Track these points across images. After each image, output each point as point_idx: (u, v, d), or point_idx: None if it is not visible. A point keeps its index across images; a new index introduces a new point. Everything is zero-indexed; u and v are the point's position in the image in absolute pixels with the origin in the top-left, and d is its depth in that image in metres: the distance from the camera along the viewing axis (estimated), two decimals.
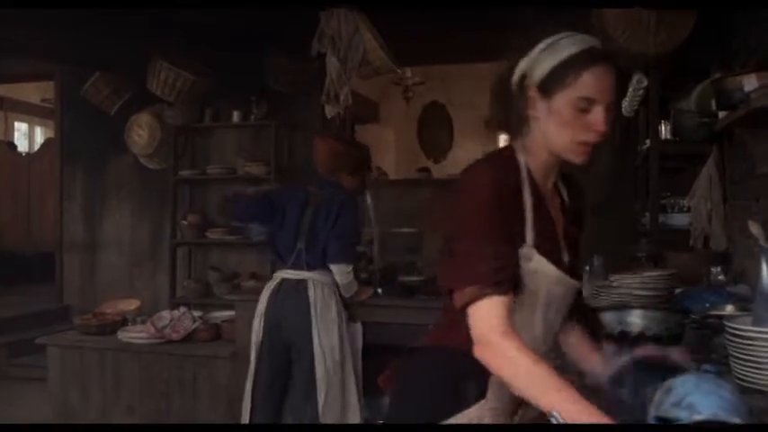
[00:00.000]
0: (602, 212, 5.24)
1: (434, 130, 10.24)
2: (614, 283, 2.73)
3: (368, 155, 3.87)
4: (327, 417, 3.33)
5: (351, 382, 3.46)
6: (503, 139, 7.91)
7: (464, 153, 10.21)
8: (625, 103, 4.10)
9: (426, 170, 8.33)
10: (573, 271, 1.63)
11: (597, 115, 1.49)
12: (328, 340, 3.37)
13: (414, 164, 9.65)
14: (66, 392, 4.10)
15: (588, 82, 1.47)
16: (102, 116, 6.27)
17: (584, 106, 1.49)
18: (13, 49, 5.86)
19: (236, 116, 5.99)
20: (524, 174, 1.56)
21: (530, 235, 1.52)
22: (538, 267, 1.52)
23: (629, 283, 2.62)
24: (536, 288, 1.54)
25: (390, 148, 9.61)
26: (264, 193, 3.96)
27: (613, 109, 1.51)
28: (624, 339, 2.00)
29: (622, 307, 2.35)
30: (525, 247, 1.51)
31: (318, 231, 3.53)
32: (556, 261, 1.56)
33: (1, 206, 7.71)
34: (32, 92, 9.97)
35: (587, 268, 3.85)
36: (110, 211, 6.74)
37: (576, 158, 1.56)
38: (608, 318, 2.19)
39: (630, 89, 3.91)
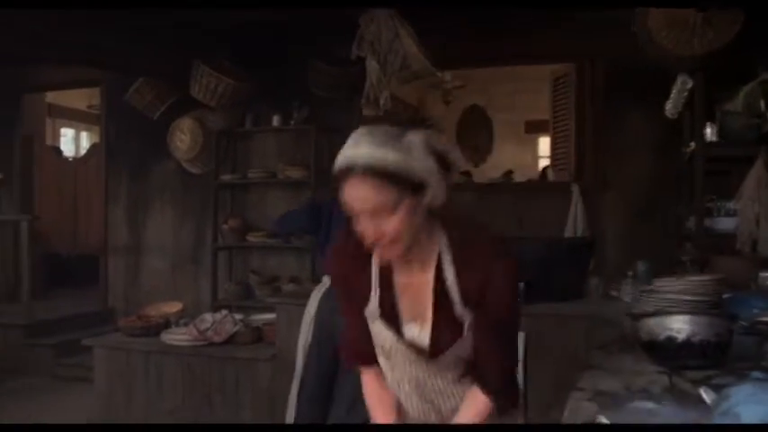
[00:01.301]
0: (645, 217, 5.17)
1: (474, 133, 10.19)
2: (659, 288, 2.67)
3: None
4: None
5: None
6: (542, 142, 7.87)
7: (504, 156, 10.15)
8: (669, 105, 4.03)
9: (467, 174, 8.28)
10: (435, 345, 1.68)
11: (361, 224, 1.55)
12: None
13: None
14: (111, 392, 4.17)
15: (346, 193, 1.54)
16: (146, 121, 6.38)
17: (351, 214, 1.57)
18: (61, 57, 6.00)
19: (276, 120, 6.04)
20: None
21: (373, 301, 1.68)
22: (378, 330, 1.70)
23: (675, 287, 2.55)
24: (389, 349, 1.70)
25: None
26: (311, 204, 4.01)
27: (386, 213, 1.51)
28: (670, 345, 1.96)
29: (667, 312, 2.30)
30: (368, 309, 1.69)
31: None
32: (396, 330, 1.68)
33: (48, 210, 7.86)
34: (78, 98, 10.17)
35: (630, 273, 3.80)
36: (153, 215, 6.84)
37: (381, 255, 1.63)
38: (652, 323, 2.15)
39: (675, 91, 3.85)
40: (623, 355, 2.23)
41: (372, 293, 1.69)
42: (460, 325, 1.64)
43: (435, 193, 1.53)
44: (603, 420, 1.30)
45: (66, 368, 6.00)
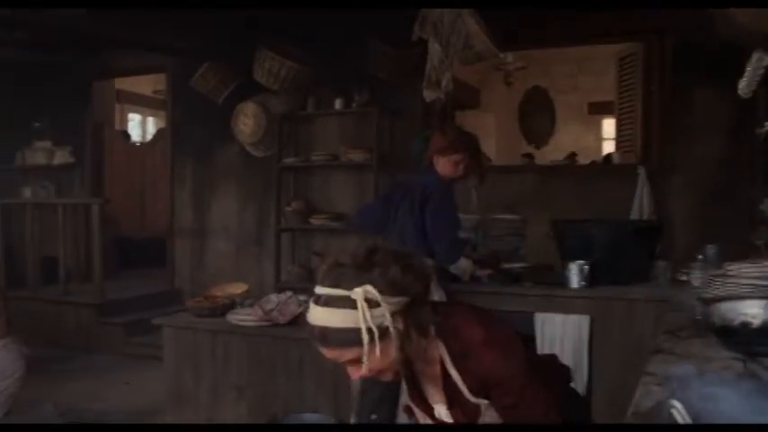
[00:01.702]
0: (715, 200, 5.03)
1: (536, 115, 10.08)
2: (731, 272, 2.60)
3: (477, 142, 3.87)
4: None
5: None
6: (606, 123, 7.71)
7: (566, 138, 10.00)
8: (743, 84, 3.89)
9: (530, 156, 8.20)
10: (459, 423, 1.79)
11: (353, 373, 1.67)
12: None
13: (514, 150, 9.52)
14: (179, 371, 4.27)
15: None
16: (210, 106, 6.50)
17: None
18: (130, 43, 6.15)
19: (338, 103, 6.07)
20: None
21: (404, 394, 1.90)
22: (416, 412, 1.90)
23: (749, 272, 2.49)
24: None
25: (491, 134, 9.50)
26: (384, 197, 4.07)
27: (358, 362, 1.60)
28: (744, 330, 1.91)
29: (741, 297, 2.23)
30: (401, 400, 1.95)
31: (406, 221, 3.61)
32: (429, 411, 1.84)
33: (117, 194, 8.10)
34: (145, 84, 10.42)
35: (700, 257, 3.71)
36: (217, 198, 6.98)
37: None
38: (725, 308, 2.09)
39: (749, 68, 3.70)
40: (693, 340, 2.18)
41: (402, 386, 1.90)
42: (477, 407, 1.73)
43: (401, 329, 1.59)
44: (676, 405, 1.28)
45: (136, 346, 6.19)
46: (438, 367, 1.73)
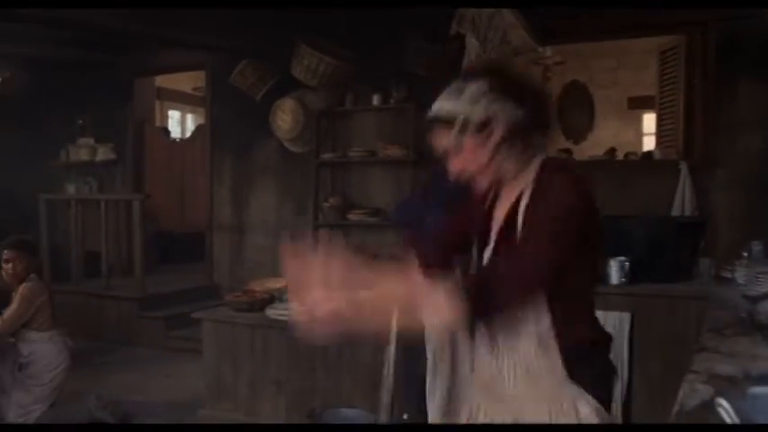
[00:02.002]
0: (760, 195, 4.92)
1: (574, 110, 9.95)
2: None
3: None
4: None
5: None
6: (646, 118, 7.56)
7: (606, 133, 9.87)
8: None
9: (568, 151, 8.11)
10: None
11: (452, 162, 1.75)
12: None
13: (552, 145, 9.42)
14: (219, 365, 4.32)
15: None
16: (249, 102, 6.54)
17: None
18: (170, 42, 6.23)
19: (376, 99, 6.07)
20: None
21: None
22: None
23: None
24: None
25: None
26: (421, 190, 4.04)
27: (456, 153, 1.70)
28: None
29: None
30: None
31: None
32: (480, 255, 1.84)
33: (158, 189, 8.21)
34: (184, 81, 10.55)
35: (745, 254, 3.64)
36: (255, 193, 7.03)
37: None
38: None
39: None
40: (739, 338, 2.15)
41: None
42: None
43: (504, 127, 1.65)
44: (723, 404, 1.26)
45: (176, 340, 6.28)
46: (512, 199, 1.72)
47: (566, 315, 1.63)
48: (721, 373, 1.73)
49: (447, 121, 1.68)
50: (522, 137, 1.67)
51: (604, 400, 1.64)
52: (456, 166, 1.73)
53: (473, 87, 1.66)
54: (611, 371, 1.74)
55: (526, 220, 1.64)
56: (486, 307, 1.53)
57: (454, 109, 1.67)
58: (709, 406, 1.33)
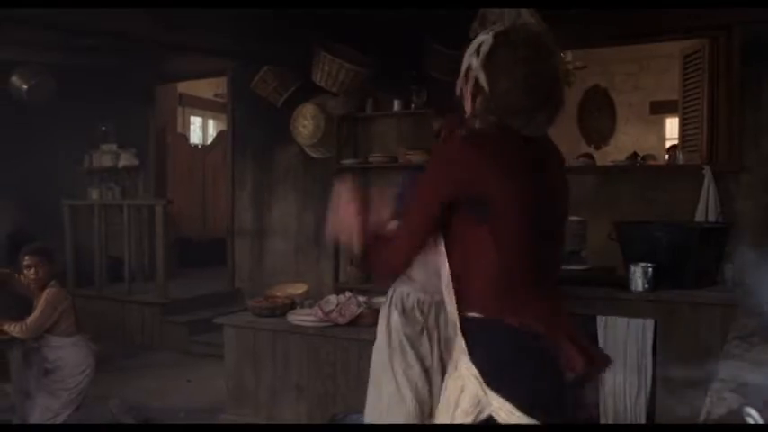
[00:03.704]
0: None
1: (596, 115, 9.89)
2: None
3: None
4: None
5: None
6: (669, 123, 7.46)
7: (627, 138, 9.80)
8: None
9: (589, 156, 8.06)
10: None
11: None
12: None
13: (573, 150, 9.35)
14: (240, 370, 4.34)
15: None
16: (270, 108, 6.58)
17: None
18: (192, 48, 6.28)
19: (396, 105, 6.08)
20: None
21: None
22: None
23: None
24: None
25: (549, 134, 9.36)
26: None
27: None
28: None
29: None
30: None
31: None
32: None
33: (179, 195, 8.27)
34: (206, 88, 10.62)
35: None
36: (276, 199, 7.06)
37: None
38: None
39: None
40: (765, 346, 2.12)
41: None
42: None
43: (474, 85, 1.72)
44: (752, 413, 1.24)
45: (197, 345, 6.31)
46: None
47: (462, 276, 1.72)
48: (749, 381, 1.70)
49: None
50: (486, 104, 1.70)
51: (489, 378, 1.65)
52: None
53: (481, 38, 1.72)
54: (506, 356, 1.70)
55: None
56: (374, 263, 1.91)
57: (467, 54, 1.75)
58: (737, 415, 1.32)
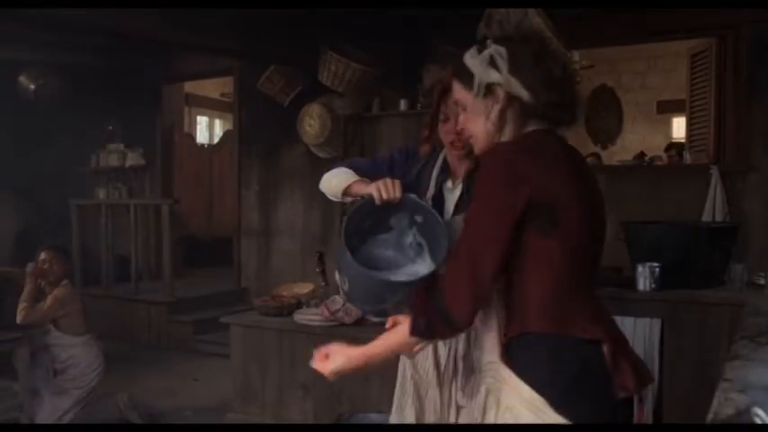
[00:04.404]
0: None
1: (603, 114, 9.87)
2: None
3: None
4: None
5: None
6: (676, 121, 7.43)
7: (634, 137, 9.78)
8: None
9: (597, 156, 8.05)
10: None
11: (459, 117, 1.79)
12: None
13: (580, 150, 9.34)
14: (246, 369, 4.34)
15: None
16: (276, 108, 6.59)
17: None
18: (198, 47, 6.29)
19: (403, 105, 6.08)
20: None
21: None
22: None
23: None
24: None
25: None
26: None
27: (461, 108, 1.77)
28: None
29: None
30: None
31: None
32: None
33: (186, 195, 8.29)
34: (212, 87, 10.63)
35: None
36: (283, 198, 7.06)
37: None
38: None
39: None
40: None
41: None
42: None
43: (506, 99, 1.64)
44: (760, 413, 1.24)
45: (204, 344, 6.32)
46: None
47: (517, 293, 1.61)
48: (756, 381, 1.70)
49: (461, 75, 1.71)
50: (525, 113, 1.65)
51: (551, 399, 1.52)
52: (461, 124, 1.77)
53: (492, 48, 1.66)
54: (568, 368, 1.57)
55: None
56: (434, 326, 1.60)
57: (471, 63, 1.68)
58: (745, 415, 1.31)
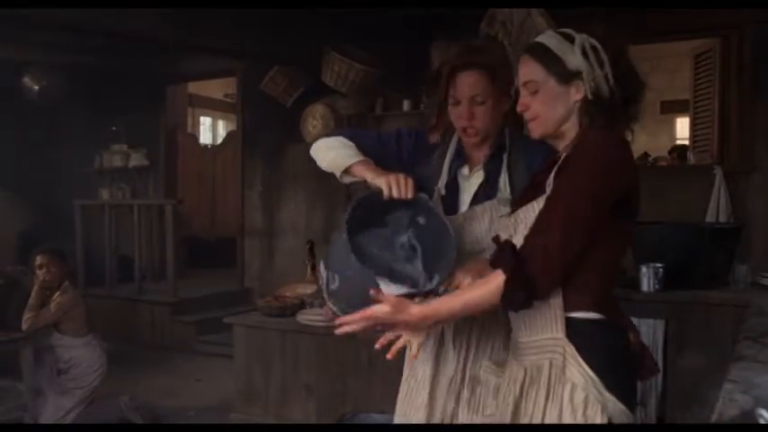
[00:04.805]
0: None
1: None
2: None
3: None
4: None
5: None
6: (679, 122, 7.42)
7: (638, 138, 9.66)
8: None
9: None
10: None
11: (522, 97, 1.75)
12: None
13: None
14: (249, 369, 4.35)
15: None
16: (280, 108, 6.59)
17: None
18: (202, 48, 6.30)
19: (406, 105, 6.08)
20: None
21: None
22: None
23: None
24: None
25: None
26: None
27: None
28: None
29: None
30: None
31: None
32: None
33: (190, 195, 8.29)
34: (216, 88, 10.65)
35: None
36: (286, 199, 7.07)
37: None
38: None
39: None
40: None
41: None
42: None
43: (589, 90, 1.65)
44: (764, 414, 1.23)
45: (207, 344, 6.32)
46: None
47: (576, 276, 1.62)
48: (761, 382, 1.69)
49: (543, 57, 1.69)
50: (603, 107, 1.67)
51: (606, 380, 1.60)
52: (525, 105, 1.73)
53: (584, 37, 1.68)
54: (619, 357, 1.66)
55: (555, 183, 1.63)
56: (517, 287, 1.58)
57: (558, 47, 1.67)
58: (749, 416, 1.31)
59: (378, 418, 3.71)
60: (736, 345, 2.22)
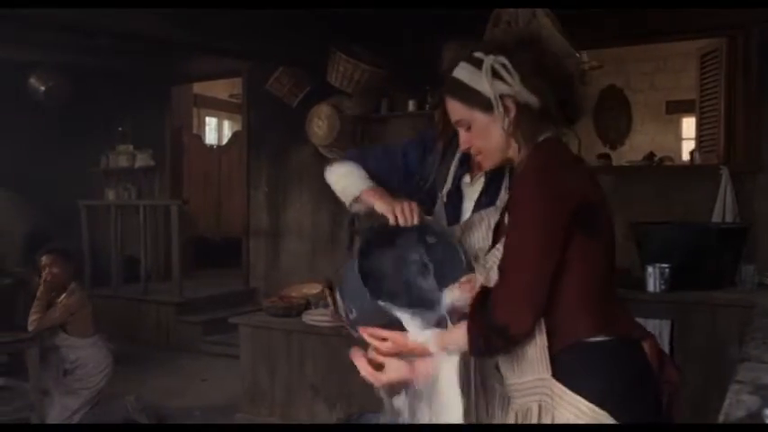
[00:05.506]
0: None
1: (612, 115, 9.84)
2: None
3: None
4: None
5: None
6: (686, 123, 7.41)
7: (644, 138, 9.75)
8: None
9: (607, 157, 8.03)
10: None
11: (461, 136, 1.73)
12: None
13: (589, 151, 9.33)
14: (255, 370, 4.35)
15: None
16: (285, 109, 6.60)
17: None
18: (207, 49, 6.30)
19: (411, 105, 6.08)
20: None
21: None
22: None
23: None
24: None
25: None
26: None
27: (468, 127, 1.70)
28: None
29: None
30: None
31: None
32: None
33: (195, 195, 8.31)
34: (221, 88, 10.66)
35: None
36: (292, 199, 7.07)
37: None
38: None
39: None
40: None
41: None
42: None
43: (519, 108, 1.60)
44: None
45: (213, 344, 6.33)
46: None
47: (557, 303, 1.54)
48: None
49: (461, 93, 1.65)
50: (538, 119, 1.61)
51: (609, 407, 1.51)
52: (467, 143, 1.71)
53: (490, 59, 1.60)
54: (626, 374, 1.57)
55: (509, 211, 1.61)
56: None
57: (470, 78, 1.62)
58: (757, 417, 1.30)
59: (384, 419, 3.71)
60: (743, 345, 2.22)
